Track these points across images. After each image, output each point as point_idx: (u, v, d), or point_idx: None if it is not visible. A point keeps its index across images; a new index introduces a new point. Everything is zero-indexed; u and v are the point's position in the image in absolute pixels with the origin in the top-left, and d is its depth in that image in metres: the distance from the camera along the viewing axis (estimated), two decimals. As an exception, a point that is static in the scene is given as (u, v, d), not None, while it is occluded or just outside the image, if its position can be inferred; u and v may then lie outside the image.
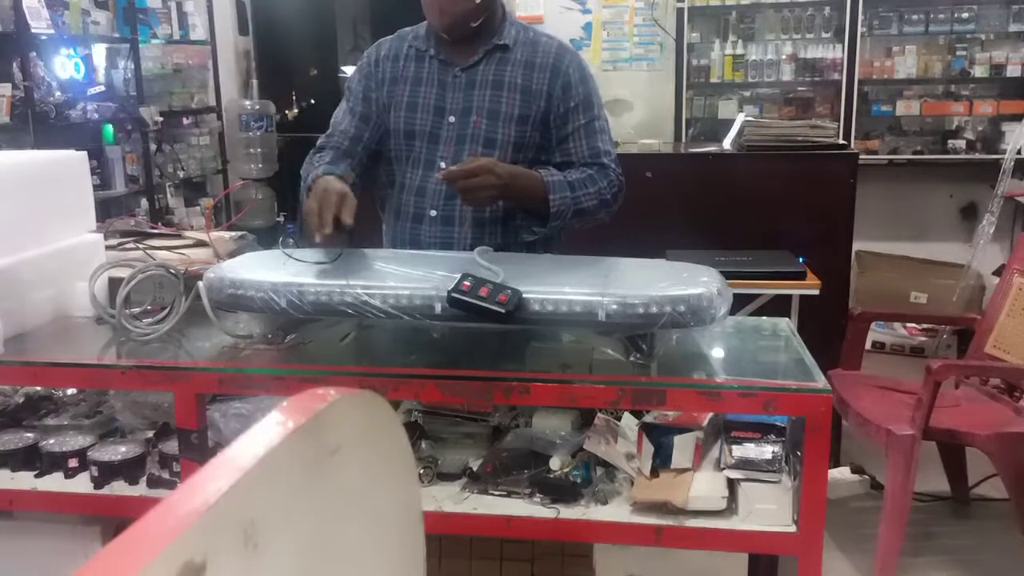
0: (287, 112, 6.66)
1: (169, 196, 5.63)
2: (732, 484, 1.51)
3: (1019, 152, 4.54)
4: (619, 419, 1.60)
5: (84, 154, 2.01)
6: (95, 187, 2.92)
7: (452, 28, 1.91)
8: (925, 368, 2.57)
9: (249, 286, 1.51)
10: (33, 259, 1.79)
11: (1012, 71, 4.92)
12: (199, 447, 1.53)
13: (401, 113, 1.97)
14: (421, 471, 1.56)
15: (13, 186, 1.80)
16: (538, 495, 1.54)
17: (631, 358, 1.50)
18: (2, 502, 1.66)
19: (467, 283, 1.45)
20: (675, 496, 1.48)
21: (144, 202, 5.27)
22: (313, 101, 6.90)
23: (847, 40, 4.93)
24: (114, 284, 1.73)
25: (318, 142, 2.04)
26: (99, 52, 5.16)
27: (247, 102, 6.11)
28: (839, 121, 4.88)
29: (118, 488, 1.64)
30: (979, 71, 4.97)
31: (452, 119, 1.94)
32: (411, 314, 1.48)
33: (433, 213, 1.95)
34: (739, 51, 5.12)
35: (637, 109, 5.22)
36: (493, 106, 1.93)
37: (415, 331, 1.69)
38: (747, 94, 5.25)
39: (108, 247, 1.99)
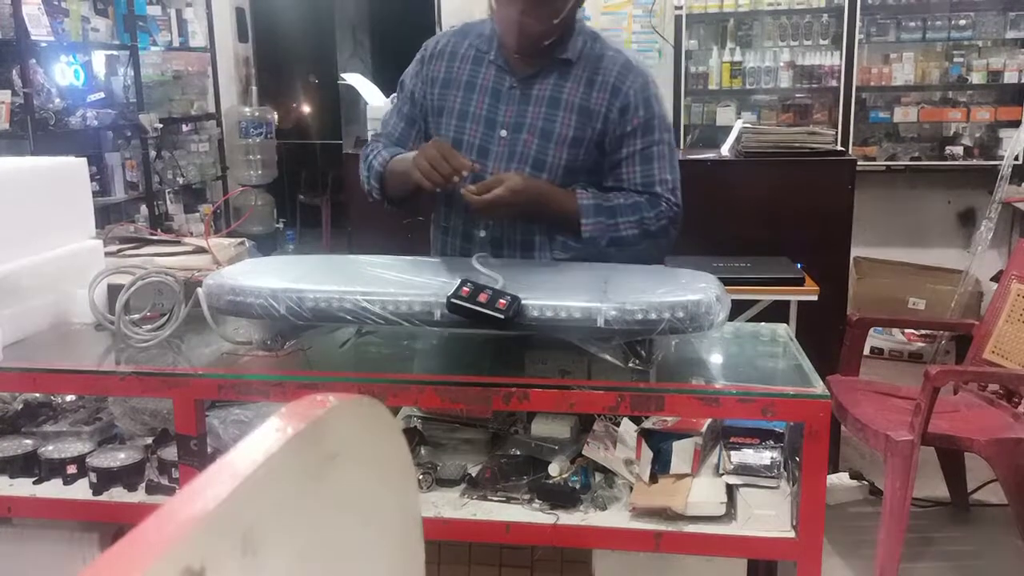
0: (286, 118, 6.67)
1: (168, 202, 5.64)
2: (731, 490, 1.51)
3: (1016, 158, 4.55)
4: (618, 425, 1.60)
5: (83, 161, 2.01)
6: (94, 193, 2.92)
7: (527, 48, 1.82)
8: (923, 374, 2.57)
9: (248, 292, 1.51)
10: (32, 266, 1.79)
11: (1009, 77, 4.93)
12: (198, 453, 1.53)
13: (452, 121, 1.89)
14: (420, 477, 1.56)
15: (13, 193, 1.80)
16: (537, 501, 1.53)
17: (630, 364, 1.50)
18: (1, 508, 1.66)
19: (466, 289, 1.45)
20: (674, 502, 1.48)
21: (144, 208, 5.28)
22: (312, 108, 6.91)
23: (845, 47, 4.94)
24: (113, 291, 1.73)
25: (370, 137, 2.02)
26: (99, 59, 5.18)
27: (246, 109, 6.13)
28: (837, 128, 4.90)
29: (117, 494, 1.64)
30: (976, 78, 4.99)
31: (504, 133, 1.86)
32: (410, 320, 1.48)
33: (482, 234, 1.90)
34: (737, 58, 5.13)
35: (636, 115, 5.22)
36: (547, 125, 1.84)
37: (414, 337, 1.70)
38: (745, 101, 5.26)
39: (107, 254, 1.99)
